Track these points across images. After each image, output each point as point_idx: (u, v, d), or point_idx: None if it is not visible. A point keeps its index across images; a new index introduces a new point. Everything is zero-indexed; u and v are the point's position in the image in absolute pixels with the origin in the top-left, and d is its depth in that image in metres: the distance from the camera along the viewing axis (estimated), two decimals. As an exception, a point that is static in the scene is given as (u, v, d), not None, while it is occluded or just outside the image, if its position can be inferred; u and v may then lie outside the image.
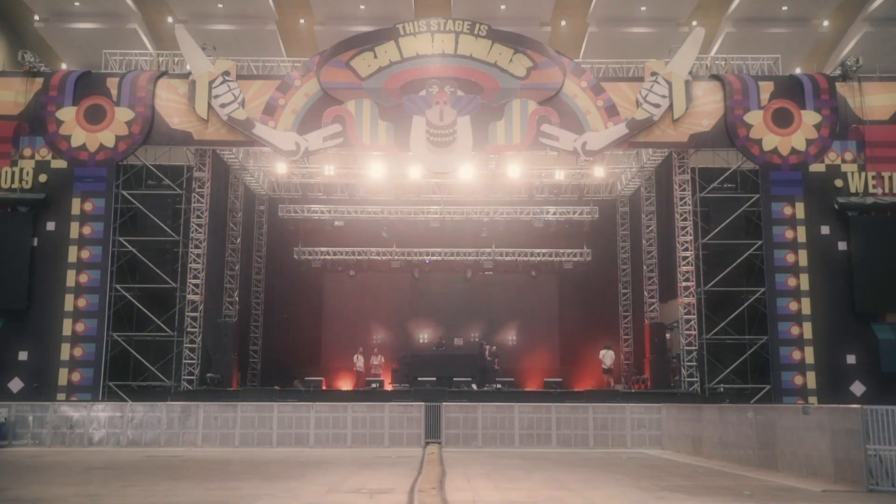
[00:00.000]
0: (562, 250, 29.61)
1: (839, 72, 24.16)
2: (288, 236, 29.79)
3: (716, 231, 23.85)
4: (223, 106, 23.26)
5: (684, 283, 23.96)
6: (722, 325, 23.33)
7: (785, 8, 28.73)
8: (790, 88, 23.86)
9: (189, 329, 23.52)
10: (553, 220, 29.37)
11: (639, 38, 29.06)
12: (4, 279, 22.66)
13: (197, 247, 24.01)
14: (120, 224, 23.61)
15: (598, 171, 26.79)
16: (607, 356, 26.99)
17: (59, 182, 23.30)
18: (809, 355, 22.59)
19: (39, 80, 23.85)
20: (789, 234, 23.28)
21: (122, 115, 23.45)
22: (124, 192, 23.74)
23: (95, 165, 23.36)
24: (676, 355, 24.54)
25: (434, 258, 29.64)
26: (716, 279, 23.54)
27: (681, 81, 23.44)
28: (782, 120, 23.57)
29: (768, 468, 15.19)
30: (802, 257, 23.13)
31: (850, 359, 22.56)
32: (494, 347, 28.07)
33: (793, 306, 22.92)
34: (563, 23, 29.40)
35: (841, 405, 14.99)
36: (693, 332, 23.60)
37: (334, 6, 29.15)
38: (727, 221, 23.86)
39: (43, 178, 23.31)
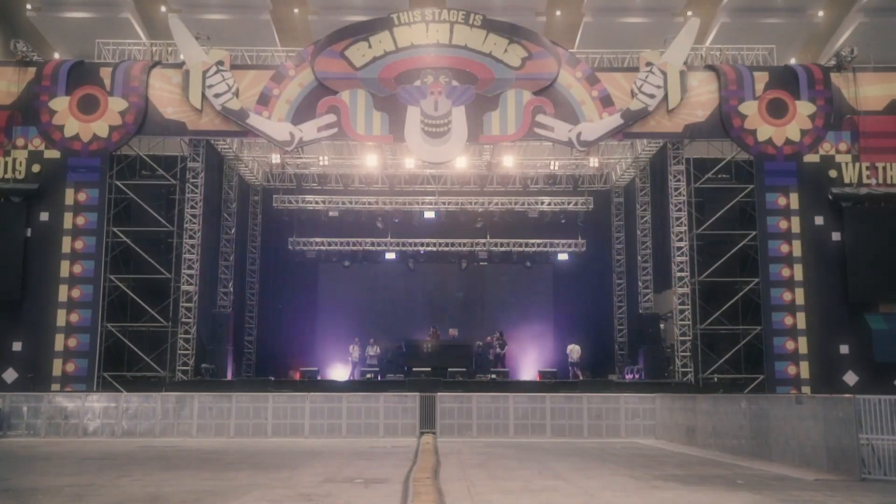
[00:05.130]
0: (556, 241, 29.60)
1: (834, 62, 24.15)
2: (282, 227, 29.72)
3: (710, 221, 23.91)
4: (217, 96, 23.16)
5: (678, 274, 24.00)
6: (716, 315, 23.41)
7: (780, -2, 28.69)
8: (785, 79, 23.85)
9: (183, 319, 23.50)
10: (548, 210, 29.36)
11: (634, 28, 28.97)
12: (-2, 270, 22.60)
13: (191, 237, 23.98)
14: (114, 214, 23.56)
15: (593, 162, 26.82)
16: (574, 351, 27.18)
17: (52, 172, 23.20)
18: (803, 345, 22.65)
19: (32, 70, 23.71)
20: (783, 224, 23.31)
21: (116, 104, 23.34)
22: (118, 183, 23.66)
23: (89, 155, 23.26)
24: (671, 345, 24.60)
25: (429, 249, 29.65)
26: (710, 269, 23.58)
27: (676, 72, 23.42)
28: (777, 110, 23.56)
29: (761, 457, 15.27)
30: (796, 248, 23.17)
31: (844, 349, 22.63)
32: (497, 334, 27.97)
33: (786, 296, 22.97)
34: (558, 13, 29.29)
35: (834, 395, 15.09)
36: (687, 323, 23.67)
37: (328, -5, 28.99)
38: (721, 212, 23.91)
39: (36, 168, 23.21)
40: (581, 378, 26.03)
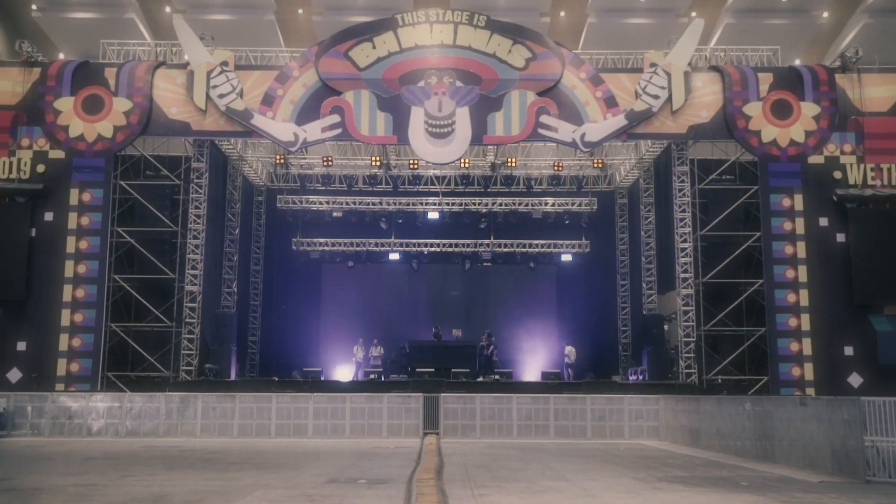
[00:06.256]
0: (560, 241, 29.65)
1: (838, 63, 24.12)
2: (286, 227, 29.80)
3: (714, 223, 23.88)
4: (221, 96, 23.21)
5: (683, 275, 23.97)
6: (720, 316, 23.37)
7: (784, -1, 28.66)
8: (789, 80, 23.82)
9: (187, 320, 23.53)
10: (551, 211, 29.39)
11: (638, 29, 28.95)
12: (2, 270, 22.64)
13: (195, 237, 24.01)
14: (118, 214, 23.60)
15: (597, 163, 26.82)
16: (572, 353, 27.15)
17: (57, 172, 23.26)
18: (807, 347, 22.61)
19: (37, 70, 23.77)
20: (788, 225, 23.26)
21: (120, 105, 23.39)
22: (122, 183, 23.71)
23: (93, 156, 23.31)
24: (674, 347, 24.57)
25: (432, 249, 29.67)
26: (714, 271, 23.55)
27: (680, 73, 23.40)
28: (781, 111, 23.53)
29: (766, 459, 15.23)
30: (801, 249, 23.13)
31: (848, 350, 22.57)
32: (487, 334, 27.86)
33: (791, 298, 22.92)
34: (562, 13, 29.28)
35: (838, 396, 15.03)
36: (691, 324, 23.63)
37: (332, -4, 29.00)
38: (726, 213, 23.88)
39: (41, 168, 23.27)
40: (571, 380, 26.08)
